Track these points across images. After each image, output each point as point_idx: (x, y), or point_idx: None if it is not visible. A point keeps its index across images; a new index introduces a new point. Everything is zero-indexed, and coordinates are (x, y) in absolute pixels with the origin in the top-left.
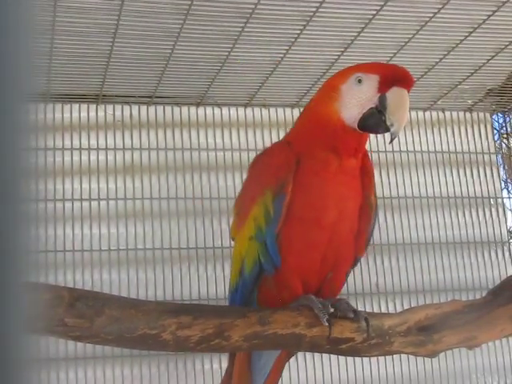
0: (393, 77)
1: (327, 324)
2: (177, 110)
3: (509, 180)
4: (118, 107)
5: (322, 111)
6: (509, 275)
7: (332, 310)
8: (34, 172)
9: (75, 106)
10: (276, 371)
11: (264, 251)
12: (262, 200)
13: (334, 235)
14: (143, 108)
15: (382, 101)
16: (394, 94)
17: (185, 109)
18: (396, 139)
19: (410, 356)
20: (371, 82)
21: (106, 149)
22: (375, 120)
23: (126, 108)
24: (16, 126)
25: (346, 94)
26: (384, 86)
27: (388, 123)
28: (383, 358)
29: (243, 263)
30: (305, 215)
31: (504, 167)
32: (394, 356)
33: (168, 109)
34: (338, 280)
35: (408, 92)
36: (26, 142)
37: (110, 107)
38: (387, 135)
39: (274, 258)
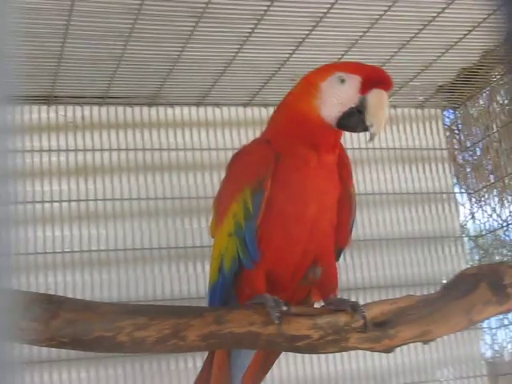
0: (374, 78)
1: (278, 322)
2: (129, 110)
3: (459, 175)
4: (70, 108)
5: (301, 108)
6: (462, 269)
7: (285, 308)
8: None
9: (26, 108)
10: (256, 368)
11: (243, 247)
12: (241, 196)
13: (314, 229)
14: (95, 109)
15: (363, 101)
16: (375, 96)
17: (137, 109)
18: (348, 136)
19: (366, 352)
20: (353, 82)
21: (58, 150)
22: (355, 119)
23: (78, 109)
24: None
25: (327, 92)
26: (365, 87)
27: (368, 123)
28: (340, 354)
29: (222, 260)
30: (285, 210)
31: (455, 163)
32: (351, 352)
33: (120, 109)
34: (331, 274)
35: (388, 94)
36: None
37: (61, 108)
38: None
39: (252, 253)
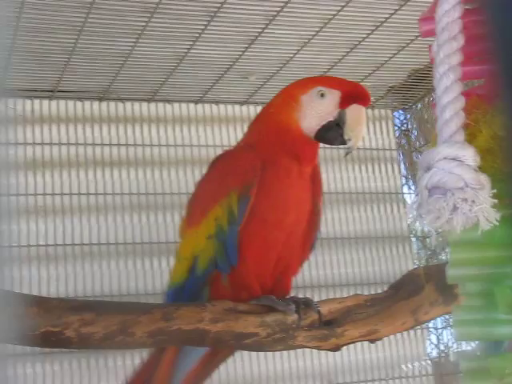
0: (353, 94)
1: (297, 314)
2: (79, 104)
3: (409, 176)
4: (20, 101)
5: (282, 119)
6: (409, 269)
7: (294, 306)
8: None
9: None
10: (198, 370)
11: (222, 250)
12: (225, 201)
13: (290, 237)
14: (45, 102)
15: (342, 116)
16: (354, 111)
17: (87, 103)
18: None
19: (313, 350)
20: (333, 96)
21: (7, 144)
22: (333, 133)
23: (28, 102)
24: None
25: (307, 106)
26: (344, 101)
27: (346, 137)
28: (287, 352)
29: (195, 261)
30: (267, 217)
31: (405, 163)
32: (298, 350)
33: (70, 103)
34: (287, 281)
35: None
36: None
37: (10, 101)
38: None
39: (231, 257)
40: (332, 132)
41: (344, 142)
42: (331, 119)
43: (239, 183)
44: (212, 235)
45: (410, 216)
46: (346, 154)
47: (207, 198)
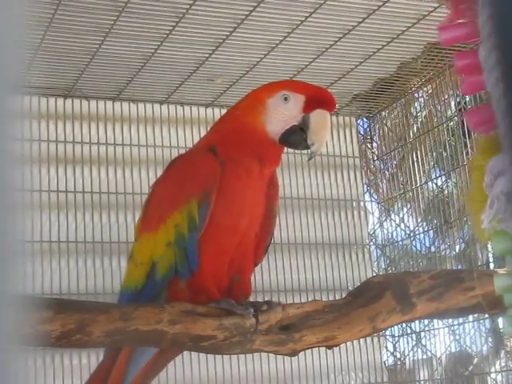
0: (318, 99)
1: (254, 319)
2: (44, 100)
3: (371, 184)
4: None
5: (248, 122)
6: (368, 277)
7: (252, 310)
8: None
9: None
10: (149, 369)
11: (182, 257)
12: (185, 208)
13: (243, 239)
14: None
15: (306, 120)
16: (318, 116)
17: (52, 100)
18: None
19: (270, 354)
20: (297, 101)
21: None
22: (297, 137)
23: None
24: None
25: (272, 109)
26: (309, 106)
27: (309, 142)
28: (244, 356)
29: (154, 267)
30: (222, 221)
31: (366, 171)
32: (255, 354)
33: (35, 100)
34: (245, 282)
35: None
36: None
37: None
38: None
39: (192, 263)
40: (296, 136)
41: (308, 147)
42: (295, 123)
43: (199, 190)
44: (171, 242)
45: (486, 223)
46: (309, 158)
47: (165, 203)
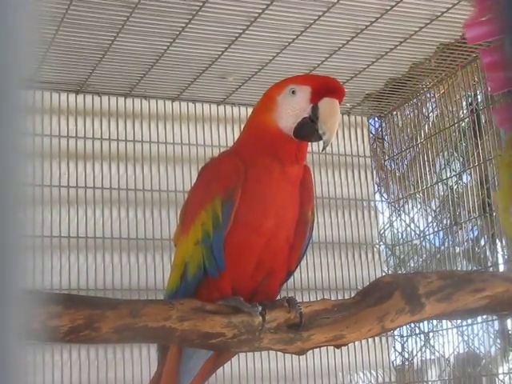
0: (324, 88)
1: (260, 317)
2: (56, 96)
3: (381, 184)
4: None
5: (261, 121)
6: (378, 277)
7: (260, 308)
8: None
9: None
10: (204, 373)
11: (209, 255)
12: (210, 206)
13: (271, 241)
14: None
15: (315, 110)
16: (325, 104)
17: (64, 95)
18: None
19: (278, 353)
20: (304, 93)
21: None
22: (308, 129)
23: None
24: None
25: (282, 105)
26: (316, 96)
27: (320, 132)
28: (252, 353)
29: (186, 268)
30: (247, 221)
31: (377, 171)
32: (263, 352)
33: (47, 95)
34: (272, 287)
35: (339, 102)
36: None
37: None
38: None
39: (218, 262)
40: (308, 128)
41: (320, 138)
42: (306, 115)
43: (223, 188)
44: (199, 241)
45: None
46: (323, 148)
47: (195, 205)
